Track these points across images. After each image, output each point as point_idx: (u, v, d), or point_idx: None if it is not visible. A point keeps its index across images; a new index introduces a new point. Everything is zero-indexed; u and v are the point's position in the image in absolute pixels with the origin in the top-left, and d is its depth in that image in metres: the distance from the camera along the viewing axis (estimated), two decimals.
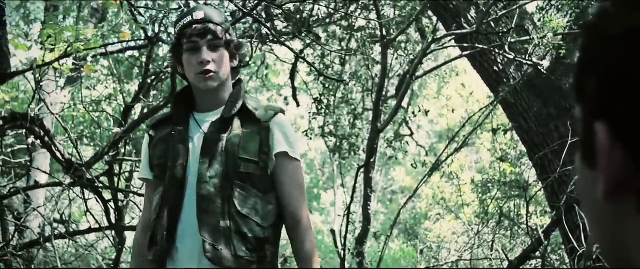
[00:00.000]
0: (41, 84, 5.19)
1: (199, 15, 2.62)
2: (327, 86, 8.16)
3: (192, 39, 2.61)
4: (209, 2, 6.68)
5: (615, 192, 0.62)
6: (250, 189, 2.60)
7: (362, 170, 6.61)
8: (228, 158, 2.59)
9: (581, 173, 0.68)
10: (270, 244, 2.63)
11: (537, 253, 5.36)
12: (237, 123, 2.65)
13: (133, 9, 5.02)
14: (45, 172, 6.65)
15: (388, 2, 7.63)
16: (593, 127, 0.63)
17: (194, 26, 2.61)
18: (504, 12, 5.83)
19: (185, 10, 2.76)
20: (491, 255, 6.79)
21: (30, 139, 5.41)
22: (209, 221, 2.52)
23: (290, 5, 6.31)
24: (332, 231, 8.24)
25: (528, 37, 5.83)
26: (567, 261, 5.68)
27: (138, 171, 3.04)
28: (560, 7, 6.08)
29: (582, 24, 0.68)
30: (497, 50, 5.84)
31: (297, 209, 2.66)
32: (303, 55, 7.40)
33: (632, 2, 0.62)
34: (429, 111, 7.99)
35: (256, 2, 5.42)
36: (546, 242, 5.22)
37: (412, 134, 10.56)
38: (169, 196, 2.60)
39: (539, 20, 6.18)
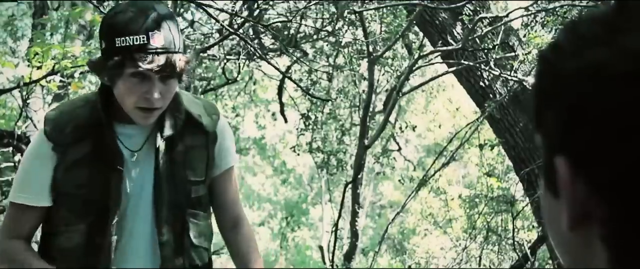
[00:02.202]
0: (28, 101, 5.19)
1: (157, 40, 1.96)
2: (314, 102, 8.19)
3: (144, 70, 1.96)
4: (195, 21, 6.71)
5: (580, 222, 0.64)
6: (200, 214, 2.28)
7: (349, 186, 6.63)
8: (176, 183, 2.19)
9: (545, 201, 0.70)
10: (211, 258, 2.39)
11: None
12: (177, 138, 2.20)
13: None
14: None
15: (374, 18, 7.67)
16: (554, 160, 0.65)
17: (149, 57, 1.95)
18: (489, 28, 5.88)
19: (129, 9, 2.00)
20: None
21: (17, 157, 5.39)
22: (165, 264, 2.20)
23: (278, 22, 6.34)
24: (320, 247, 8.25)
25: (513, 53, 5.87)
26: None
27: None
28: (544, 23, 6.12)
29: (537, 55, 0.70)
30: (482, 67, 5.88)
31: (240, 211, 2.42)
32: (289, 72, 7.42)
33: (586, 38, 0.64)
34: (416, 126, 8.03)
35: (243, 20, 5.44)
36: (533, 258, 5.24)
37: (399, 149, 10.59)
38: (99, 238, 2.12)
39: (524, 36, 6.24)
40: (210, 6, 4.93)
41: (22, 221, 2.18)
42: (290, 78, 6.01)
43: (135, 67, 1.95)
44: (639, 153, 0.59)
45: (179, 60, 2.01)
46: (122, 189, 2.13)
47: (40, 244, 2.27)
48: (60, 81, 5.10)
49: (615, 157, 0.60)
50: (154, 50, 1.95)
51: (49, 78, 4.70)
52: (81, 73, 5.28)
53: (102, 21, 2.12)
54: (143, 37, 1.95)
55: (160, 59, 1.96)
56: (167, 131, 2.16)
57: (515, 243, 5.83)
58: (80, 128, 2.12)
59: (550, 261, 6.45)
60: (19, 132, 5.04)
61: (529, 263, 5.30)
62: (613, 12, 0.64)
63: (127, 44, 1.95)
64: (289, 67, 7.67)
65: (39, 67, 4.62)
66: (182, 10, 7.35)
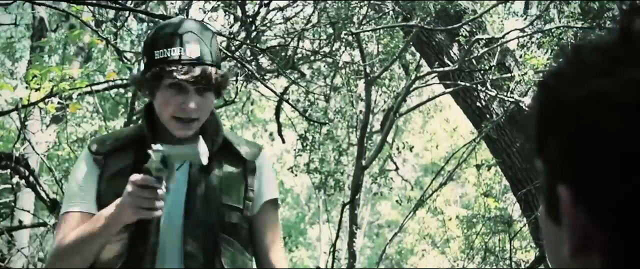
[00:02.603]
0: (26, 123, 5.20)
1: (192, 51, 2.06)
2: (311, 122, 8.21)
3: (180, 80, 2.05)
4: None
5: (581, 250, 0.64)
6: (234, 243, 2.22)
7: (347, 206, 6.63)
8: (209, 205, 2.19)
9: (546, 228, 0.70)
10: None
11: None
12: (215, 162, 2.22)
13: (118, 51, 5.05)
14: (29, 212, 6.63)
15: (371, 39, 7.71)
16: (556, 187, 0.65)
17: (185, 68, 2.05)
18: (486, 49, 5.91)
19: (169, 25, 2.16)
20: None
21: (15, 179, 5.39)
22: None
23: (274, 46, 6.36)
24: (318, 268, 8.23)
25: (510, 74, 5.90)
26: None
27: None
28: (540, 44, 6.16)
29: (539, 81, 0.71)
30: (479, 87, 5.90)
31: (280, 260, 2.32)
32: (287, 93, 7.44)
33: (589, 66, 0.64)
34: (413, 147, 8.04)
35: (240, 42, 5.47)
36: None
37: (397, 168, 10.59)
38: (140, 247, 2.14)
39: (520, 56, 6.27)
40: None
41: (73, 228, 2.17)
42: (287, 101, 6.02)
43: (171, 78, 2.05)
44: None
45: (215, 73, 2.10)
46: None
47: None
48: (58, 103, 5.11)
49: (617, 187, 0.60)
50: (188, 61, 2.05)
51: (47, 100, 4.72)
52: (79, 95, 5.30)
53: (145, 39, 2.25)
54: (179, 49, 2.06)
55: (196, 71, 2.05)
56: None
57: (513, 263, 5.82)
58: (122, 141, 2.24)
59: None
60: (17, 155, 5.04)
61: None
62: (617, 42, 0.65)
63: (164, 56, 2.06)
64: (286, 88, 7.69)
65: (37, 90, 4.64)
66: None
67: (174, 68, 2.04)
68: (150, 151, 1.97)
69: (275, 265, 2.29)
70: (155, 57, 2.07)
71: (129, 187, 1.94)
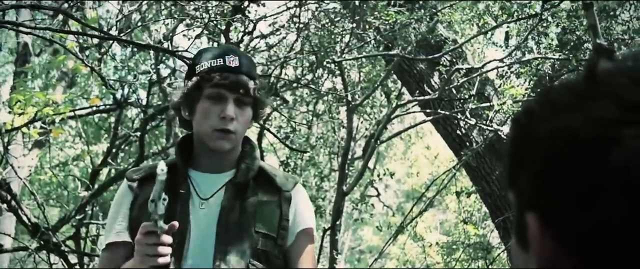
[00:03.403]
0: (9, 147, 5.21)
1: (233, 61, 2.17)
2: (294, 150, 8.26)
3: (219, 87, 2.14)
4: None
5: None
6: None
7: (328, 232, 6.66)
8: (243, 231, 2.18)
9: (515, 254, 0.74)
10: None
11: None
12: (250, 189, 2.23)
13: (102, 77, 5.09)
14: (10, 236, 6.61)
15: (353, 67, 7.79)
16: (525, 216, 0.69)
17: (225, 74, 2.15)
18: (465, 79, 5.99)
19: (211, 48, 2.26)
20: None
21: None
22: None
23: (258, 70, 6.41)
24: None
25: (489, 103, 5.97)
26: None
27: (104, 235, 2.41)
28: (519, 74, 6.25)
29: (512, 119, 0.77)
30: (459, 116, 5.97)
31: None
32: (270, 119, 7.49)
33: (557, 104, 0.68)
34: (394, 173, 8.10)
35: None
36: None
37: (378, 194, 10.65)
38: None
39: (499, 86, 6.35)
40: (190, 58, 4.99)
41: (111, 261, 2.21)
42: (269, 130, 6.06)
43: (211, 86, 2.14)
44: (604, 214, 0.62)
45: (253, 85, 2.19)
46: (189, 229, 2.16)
47: None
48: (41, 128, 5.14)
49: (582, 216, 0.63)
50: (228, 68, 2.16)
51: (29, 125, 4.75)
52: (62, 119, 5.33)
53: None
54: (219, 60, 2.17)
55: (234, 78, 2.16)
56: (239, 178, 2.22)
57: None
58: (155, 169, 2.22)
59: None
60: None
61: None
62: (583, 81, 0.68)
63: (205, 67, 2.17)
64: (268, 115, 7.75)
65: (20, 114, 4.66)
66: (164, 57, 7.43)
67: (214, 75, 2.14)
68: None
69: None
70: (196, 72, 2.18)
71: (137, 236, 1.97)
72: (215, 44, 6.79)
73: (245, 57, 2.26)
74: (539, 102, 0.71)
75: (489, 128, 5.86)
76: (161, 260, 1.95)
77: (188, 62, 4.92)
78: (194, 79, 2.18)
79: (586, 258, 0.64)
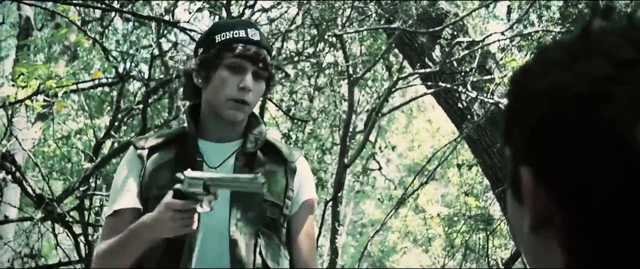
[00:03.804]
0: (13, 120, 5.26)
1: (254, 35, 2.23)
2: (295, 122, 8.29)
3: (241, 58, 2.19)
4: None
5: (540, 227, 0.69)
6: (273, 238, 2.27)
7: (329, 204, 6.71)
8: (253, 199, 2.22)
9: (512, 208, 0.76)
10: None
11: None
12: (257, 159, 2.29)
13: (104, 49, 5.11)
14: (15, 207, 6.67)
15: (354, 41, 7.79)
16: (519, 170, 0.70)
17: (247, 46, 2.20)
18: (466, 52, 6.00)
19: (232, 18, 2.38)
20: None
21: (1, 175, 5.45)
22: None
23: None
24: None
25: (490, 76, 5.98)
26: None
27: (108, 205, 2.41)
28: (520, 47, 6.25)
29: (511, 77, 0.79)
30: (460, 89, 5.98)
31: (313, 262, 2.35)
32: (271, 94, 7.51)
33: (551, 62, 0.70)
34: (395, 147, 8.13)
35: None
36: None
37: (380, 168, 10.68)
38: (184, 239, 2.16)
39: (501, 59, 6.36)
40: (193, 30, 5.02)
41: (116, 228, 2.22)
42: (271, 100, 6.09)
43: (233, 55, 2.19)
44: (593, 169, 0.64)
45: (269, 60, 2.25)
46: None
47: None
48: (44, 101, 5.17)
49: (572, 171, 0.65)
50: (252, 41, 2.21)
51: (33, 98, 4.78)
52: (65, 93, 5.36)
53: (202, 35, 2.44)
54: (242, 31, 2.22)
55: (256, 50, 2.20)
56: (249, 148, 2.27)
57: (490, 260, 5.91)
58: (164, 138, 2.33)
59: None
60: (4, 151, 5.10)
61: None
62: (576, 39, 0.69)
63: (227, 37, 2.21)
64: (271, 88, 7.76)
65: (24, 87, 4.69)
66: (165, 31, 7.44)
67: (237, 45, 2.19)
68: (187, 175, 2.01)
69: (308, 264, 2.33)
70: (217, 41, 2.22)
71: (167, 213, 2.00)
72: (216, 18, 6.81)
73: (263, 34, 2.29)
74: (534, 61, 0.73)
75: (490, 101, 5.87)
76: (193, 227, 2.02)
77: (190, 34, 4.96)
78: (216, 47, 2.22)
79: (577, 211, 0.66)
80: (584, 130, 0.64)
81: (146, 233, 2.09)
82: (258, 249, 2.21)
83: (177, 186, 2.01)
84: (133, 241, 2.14)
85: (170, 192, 2.02)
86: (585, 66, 0.66)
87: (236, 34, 2.21)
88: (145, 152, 2.28)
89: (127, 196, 2.25)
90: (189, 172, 2.02)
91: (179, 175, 2.02)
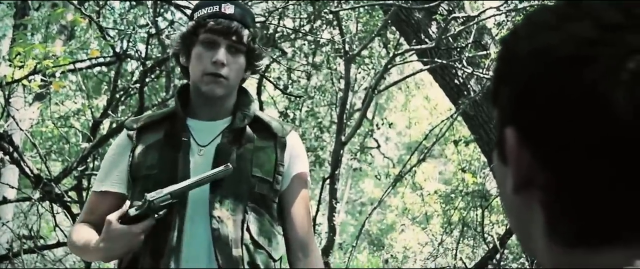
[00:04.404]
0: (10, 100, 5.26)
1: (228, 9, 2.24)
2: (292, 100, 8.30)
3: (212, 33, 2.23)
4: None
5: (522, 187, 0.71)
6: (263, 214, 2.26)
7: (327, 182, 6.73)
8: (240, 176, 2.22)
9: (497, 168, 0.78)
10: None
11: (494, 261, 5.52)
12: (246, 136, 2.29)
13: (101, 28, 5.11)
14: (13, 187, 6.70)
15: (351, 18, 7.79)
16: (505, 131, 0.72)
17: (219, 20, 2.23)
18: (462, 27, 6.00)
19: None
20: (454, 263, 6.94)
21: None
22: (223, 249, 2.16)
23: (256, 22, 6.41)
24: None
25: (486, 52, 5.99)
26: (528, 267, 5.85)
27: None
28: (516, 22, 6.24)
29: (500, 40, 0.79)
30: (456, 65, 5.99)
31: (309, 237, 2.36)
32: (268, 71, 7.52)
33: (538, 24, 0.71)
34: (392, 124, 8.14)
35: None
36: (502, 249, 5.38)
37: (378, 146, 10.70)
38: (170, 216, 2.17)
39: (497, 35, 6.36)
40: (188, 8, 5.02)
41: (96, 207, 2.35)
42: (268, 79, 6.10)
43: (205, 31, 2.24)
44: (575, 130, 0.65)
45: (246, 33, 2.27)
46: (188, 173, 2.22)
47: None
48: (42, 80, 5.18)
49: (555, 131, 0.67)
50: (222, 15, 2.24)
51: (30, 77, 4.79)
52: (62, 72, 5.37)
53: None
54: (215, 7, 2.26)
55: (227, 24, 2.23)
56: (236, 124, 2.29)
57: (486, 235, 5.96)
58: (154, 118, 2.38)
59: (524, 254, 6.59)
60: (1, 131, 5.11)
61: (498, 254, 5.44)
62: (565, 3, 0.71)
63: (201, 14, 2.27)
64: (267, 67, 7.77)
65: (20, 67, 4.70)
66: (162, 10, 7.44)
67: (208, 21, 2.23)
68: (148, 197, 2.10)
69: (303, 238, 2.34)
70: (194, 18, 2.29)
71: (134, 228, 2.11)
72: None
73: (242, 8, 2.31)
74: (523, 23, 0.74)
75: (486, 76, 5.88)
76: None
77: (185, 12, 4.96)
78: (190, 24, 2.29)
79: (559, 171, 0.68)
80: (568, 91, 0.65)
81: (97, 254, 2.18)
82: (245, 225, 2.22)
83: (130, 209, 2.11)
84: (89, 255, 2.29)
85: (116, 216, 2.12)
86: (571, 28, 0.67)
87: (210, 9, 2.25)
88: (134, 133, 2.33)
89: (113, 179, 2.33)
90: (151, 194, 2.10)
91: (146, 196, 2.10)
